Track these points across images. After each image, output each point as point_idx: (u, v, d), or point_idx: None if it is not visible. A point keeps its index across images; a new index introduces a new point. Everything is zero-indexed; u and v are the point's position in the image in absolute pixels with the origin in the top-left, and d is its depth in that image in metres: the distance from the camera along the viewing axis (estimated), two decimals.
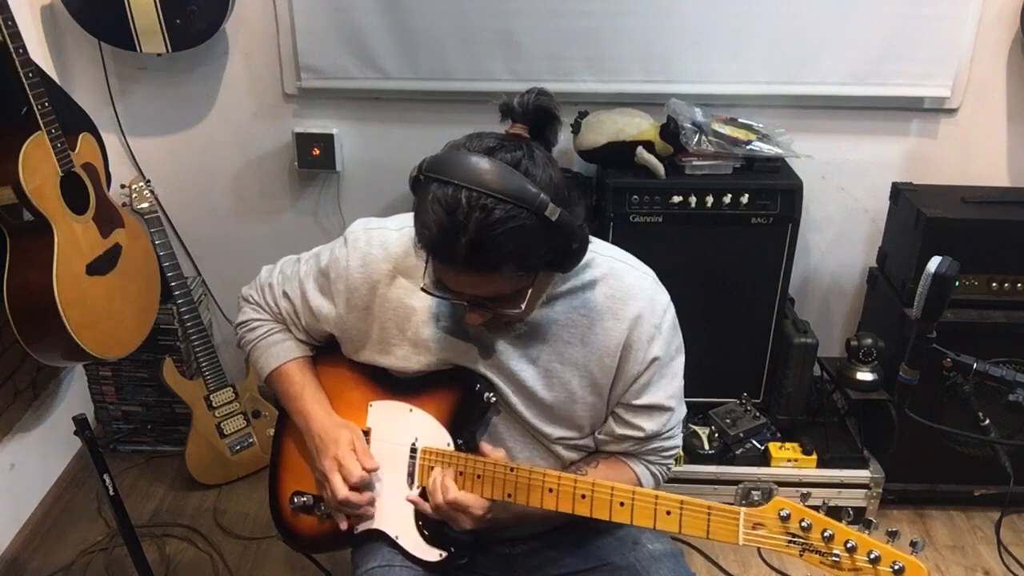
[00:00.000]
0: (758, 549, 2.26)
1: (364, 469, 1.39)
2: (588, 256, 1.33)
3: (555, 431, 1.40)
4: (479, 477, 1.33)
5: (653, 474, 1.46)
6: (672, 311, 1.39)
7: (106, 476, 1.81)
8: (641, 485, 1.43)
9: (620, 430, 1.41)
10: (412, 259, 1.37)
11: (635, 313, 1.34)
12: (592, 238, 1.35)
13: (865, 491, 2.32)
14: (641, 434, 1.40)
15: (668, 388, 1.40)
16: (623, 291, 1.35)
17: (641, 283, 1.37)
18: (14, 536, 2.32)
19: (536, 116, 1.23)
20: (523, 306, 1.21)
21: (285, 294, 1.50)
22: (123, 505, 1.87)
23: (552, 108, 1.23)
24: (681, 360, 1.43)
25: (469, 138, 1.18)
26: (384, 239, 1.40)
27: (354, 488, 1.38)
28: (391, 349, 1.40)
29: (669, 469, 1.49)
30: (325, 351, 1.53)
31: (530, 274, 1.18)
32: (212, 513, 2.45)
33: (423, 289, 1.25)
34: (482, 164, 1.11)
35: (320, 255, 1.47)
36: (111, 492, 1.83)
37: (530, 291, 1.21)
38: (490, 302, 1.22)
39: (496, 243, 1.10)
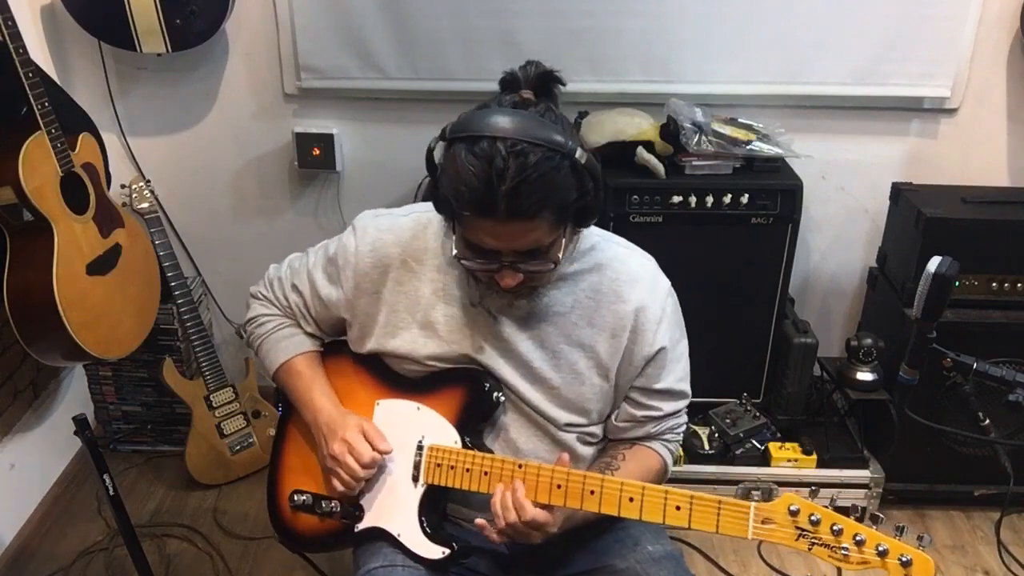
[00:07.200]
0: (758, 548, 2.28)
1: (376, 450, 1.38)
2: (593, 240, 1.40)
3: (562, 415, 1.41)
4: (486, 474, 1.33)
5: (671, 451, 1.51)
6: (674, 295, 1.44)
7: (106, 476, 1.81)
8: (666, 464, 1.49)
9: (640, 412, 1.45)
10: (421, 243, 1.40)
11: (640, 296, 1.38)
12: (594, 227, 1.40)
13: (865, 491, 2.33)
14: (660, 413, 1.45)
15: (678, 371, 1.45)
16: (628, 275, 1.39)
17: (645, 267, 1.42)
18: (14, 536, 2.31)
19: (540, 81, 1.28)
20: (559, 257, 1.25)
21: (295, 287, 1.51)
22: (123, 505, 1.87)
23: (554, 71, 1.29)
24: (686, 343, 1.48)
25: (485, 103, 1.22)
26: (393, 224, 1.43)
27: (366, 467, 1.38)
28: (398, 332, 1.42)
29: (679, 446, 1.56)
30: (331, 350, 1.54)
31: (562, 224, 1.22)
32: (212, 513, 2.45)
33: (455, 257, 1.27)
34: (511, 116, 1.16)
35: (328, 246, 1.49)
36: (111, 492, 1.83)
37: (563, 243, 1.25)
38: (525, 259, 1.24)
39: (535, 187, 1.14)
